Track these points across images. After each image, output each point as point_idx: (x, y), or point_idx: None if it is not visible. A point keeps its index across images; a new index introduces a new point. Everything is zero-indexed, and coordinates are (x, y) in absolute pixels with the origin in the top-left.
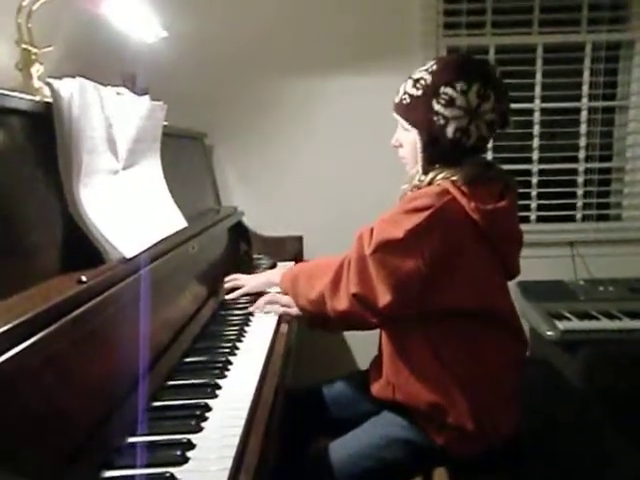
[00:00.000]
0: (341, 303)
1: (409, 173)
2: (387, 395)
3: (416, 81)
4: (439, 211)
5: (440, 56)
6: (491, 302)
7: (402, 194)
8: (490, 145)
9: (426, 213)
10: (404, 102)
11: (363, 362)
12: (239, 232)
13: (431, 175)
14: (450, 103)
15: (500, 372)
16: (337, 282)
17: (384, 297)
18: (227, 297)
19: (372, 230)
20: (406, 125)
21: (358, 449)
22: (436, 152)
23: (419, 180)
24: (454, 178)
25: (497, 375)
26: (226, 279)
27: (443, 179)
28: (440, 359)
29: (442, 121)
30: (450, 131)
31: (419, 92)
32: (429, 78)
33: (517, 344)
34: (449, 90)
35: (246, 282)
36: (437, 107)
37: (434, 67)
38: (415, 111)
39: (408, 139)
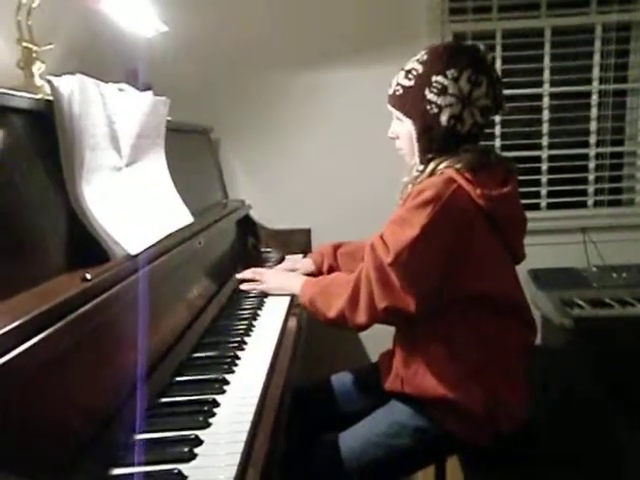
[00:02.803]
0: (362, 317)
1: (409, 164)
2: (396, 388)
3: (408, 72)
4: (449, 200)
5: (430, 45)
6: (503, 286)
7: (403, 187)
8: (498, 132)
9: (438, 204)
10: (397, 93)
11: (374, 354)
12: (247, 225)
13: (432, 165)
14: (442, 91)
15: (510, 358)
16: (356, 298)
17: (414, 301)
18: (241, 286)
19: (382, 237)
20: (400, 116)
21: (368, 438)
22: (431, 141)
23: (417, 170)
24: (457, 166)
25: (507, 361)
26: (248, 270)
27: (446, 168)
28: (451, 350)
29: (435, 109)
30: (444, 119)
31: (411, 82)
32: (420, 68)
33: (526, 329)
34: (440, 78)
35: (266, 280)
36: (430, 96)
37: (424, 57)
38: (408, 101)
39: (403, 130)
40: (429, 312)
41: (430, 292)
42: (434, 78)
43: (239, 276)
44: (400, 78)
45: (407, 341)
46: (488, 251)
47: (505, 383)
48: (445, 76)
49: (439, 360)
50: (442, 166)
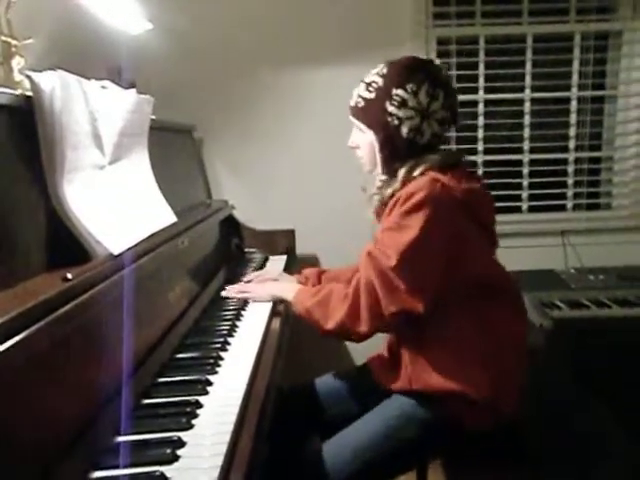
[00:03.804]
0: (364, 327)
1: (367, 173)
2: (404, 387)
3: (368, 84)
4: (438, 198)
5: (389, 60)
6: (494, 270)
7: (373, 201)
8: (481, 135)
9: (431, 204)
10: (359, 105)
11: (357, 356)
12: (230, 226)
13: (403, 172)
14: (402, 104)
15: (508, 347)
16: (356, 308)
17: (421, 300)
18: (224, 294)
19: (378, 245)
20: (362, 127)
21: (376, 431)
22: (393, 151)
23: (380, 180)
24: (436, 167)
25: (506, 350)
26: (235, 287)
27: (425, 169)
28: (453, 344)
29: (396, 122)
30: (405, 131)
31: (372, 95)
32: (380, 81)
33: (519, 315)
34: (400, 92)
35: (252, 290)
36: (390, 108)
37: (384, 70)
38: (370, 113)
39: (365, 141)
40: (432, 309)
41: (433, 289)
42: (394, 91)
43: (224, 294)
44: (361, 90)
45: (411, 341)
46: (478, 241)
47: (504, 368)
48: (405, 90)
49: (444, 355)
50: (418, 170)
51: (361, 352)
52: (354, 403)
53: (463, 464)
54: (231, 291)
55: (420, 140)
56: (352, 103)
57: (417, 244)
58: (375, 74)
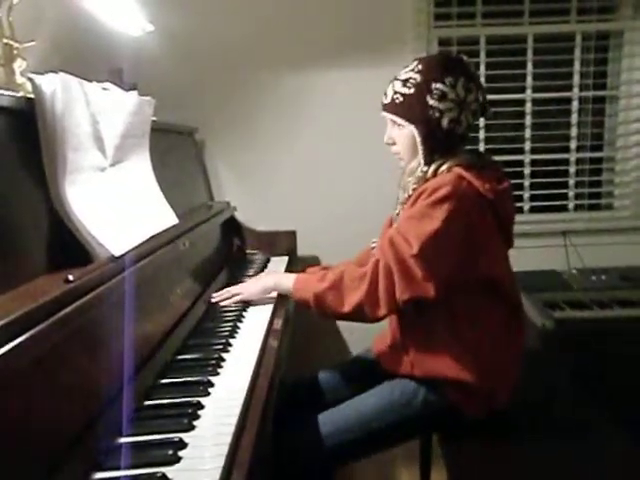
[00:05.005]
0: (383, 310)
1: (407, 167)
2: (406, 372)
3: (405, 81)
4: (463, 195)
5: (420, 57)
6: (502, 270)
7: (408, 187)
8: (482, 136)
9: (455, 199)
10: (397, 101)
11: (354, 347)
12: (232, 227)
13: (434, 166)
14: (443, 97)
15: (504, 345)
16: (374, 291)
17: (434, 287)
18: (223, 302)
19: (400, 232)
20: (401, 122)
21: (382, 405)
22: (434, 143)
23: (422, 172)
24: (463, 164)
25: (501, 342)
26: (223, 291)
27: (453, 166)
28: (456, 334)
29: (437, 114)
30: (445, 122)
31: (411, 90)
32: (418, 77)
33: (517, 312)
34: (440, 85)
35: (242, 290)
36: (432, 102)
37: (420, 66)
38: (410, 108)
39: (402, 135)
40: (443, 298)
41: (446, 278)
42: (434, 85)
43: (216, 296)
44: (398, 87)
45: (416, 328)
46: (494, 239)
47: (499, 362)
48: (444, 83)
49: (446, 344)
50: (445, 166)
51: (357, 342)
52: (355, 388)
53: (457, 441)
54: (220, 297)
55: (458, 130)
56: (387, 100)
57: (438, 235)
58: (410, 71)
